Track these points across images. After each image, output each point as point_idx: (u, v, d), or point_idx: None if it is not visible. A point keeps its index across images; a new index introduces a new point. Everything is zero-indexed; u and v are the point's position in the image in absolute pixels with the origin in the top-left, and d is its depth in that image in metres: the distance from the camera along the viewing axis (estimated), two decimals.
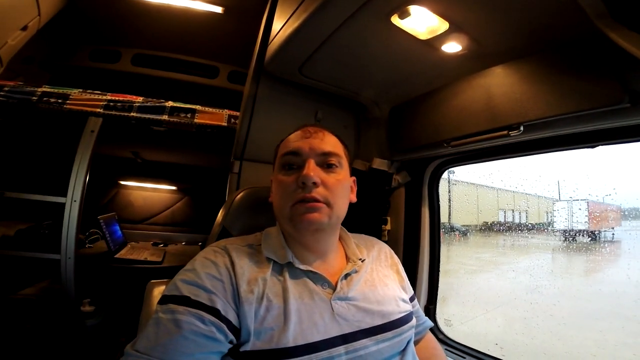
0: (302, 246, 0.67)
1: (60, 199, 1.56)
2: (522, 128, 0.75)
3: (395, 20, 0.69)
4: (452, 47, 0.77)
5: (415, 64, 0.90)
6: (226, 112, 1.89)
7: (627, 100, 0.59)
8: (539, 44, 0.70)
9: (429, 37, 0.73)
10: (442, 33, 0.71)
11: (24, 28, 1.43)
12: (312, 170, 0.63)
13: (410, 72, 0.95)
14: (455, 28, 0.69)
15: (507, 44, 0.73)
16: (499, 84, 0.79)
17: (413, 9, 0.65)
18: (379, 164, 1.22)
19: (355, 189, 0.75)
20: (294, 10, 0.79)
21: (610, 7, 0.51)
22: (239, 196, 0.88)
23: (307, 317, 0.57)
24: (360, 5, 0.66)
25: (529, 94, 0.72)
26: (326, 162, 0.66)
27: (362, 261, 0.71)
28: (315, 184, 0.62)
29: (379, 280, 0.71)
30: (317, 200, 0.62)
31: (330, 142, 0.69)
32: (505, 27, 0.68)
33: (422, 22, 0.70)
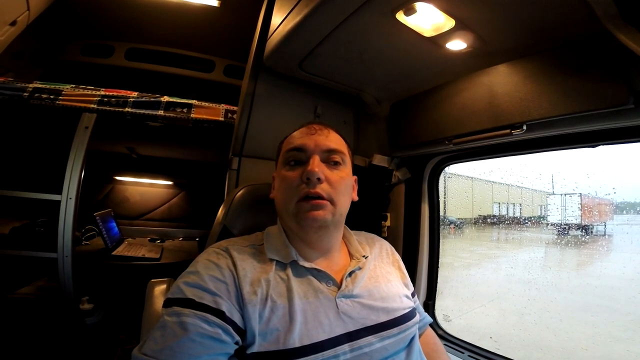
0: (306, 244, 0.67)
1: (56, 197, 1.53)
2: (524, 127, 0.75)
3: (400, 16, 0.68)
4: (456, 44, 0.76)
5: (418, 61, 0.89)
6: (223, 106, 1.86)
7: (632, 102, 0.59)
8: (545, 43, 0.70)
9: (434, 34, 0.73)
10: (447, 30, 0.70)
11: (13, 23, 1.38)
12: (317, 165, 0.63)
13: (412, 69, 0.94)
14: (461, 25, 0.68)
15: (513, 42, 0.73)
16: (503, 83, 0.78)
17: (419, 5, 0.64)
18: (379, 160, 1.22)
19: (356, 188, 0.75)
20: (295, 4, 0.78)
21: (621, 8, 0.51)
22: (239, 194, 0.87)
23: (312, 317, 0.57)
24: (365, 1, 0.64)
25: (533, 93, 0.72)
26: (330, 159, 0.67)
27: (365, 258, 0.72)
28: (319, 180, 0.62)
29: (382, 277, 0.71)
30: (321, 197, 0.62)
31: (334, 140, 0.69)
32: (512, 24, 0.68)
33: (427, 19, 0.69)
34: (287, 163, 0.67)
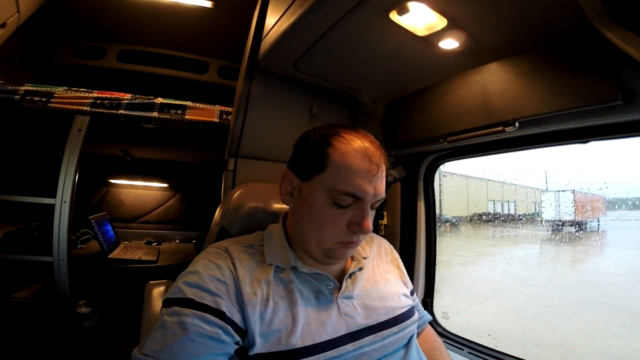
0: (313, 259, 0.65)
1: (50, 200, 1.52)
2: (517, 124, 0.76)
3: (393, 16, 0.68)
4: (449, 43, 0.77)
5: (411, 60, 0.90)
6: (217, 107, 1.86)
7: (619, 98, 0.60)
8: (536, 41, 0.71)
9: (426, 33, 0.73)
10: (440, 30, 0.71)
11: (3, 25, 1.36)
12: (370, 220, 0.59)
13: (406, 68, 0.95)
14: (453, 25, 0.69)
15: (504, 40, 0.74)
16: (495, 81, 0.79)
17: (412, 5, 0.64)
18: None
19: None
20: (289, 5, 0.78)
21: (609, 6, 0.52)
22: (236, 194, 0.87)
23: (314, 318, 0.57)
24: (358, 1, 0.65)
25: (524, 91, 0.73)
26: (375, 205, 0.63)
27: (365, 259, 0.72)
28: None
29: (380, 276, 0.72)
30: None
31: (384, 182, 0.62)
32: (503, 23, 0.69)
33: (420, 19, 0.69)
34: (334, 201, 0.58)
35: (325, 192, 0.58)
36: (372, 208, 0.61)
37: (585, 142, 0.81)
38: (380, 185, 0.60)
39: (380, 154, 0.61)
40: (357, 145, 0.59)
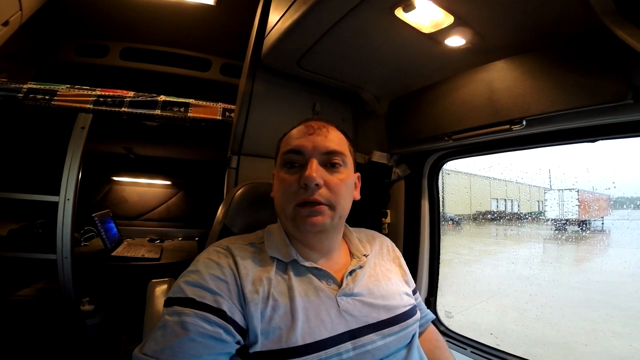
0: (305, 245, 0.66)
1: (53, 198, 1.52)
2: (524, 123, 0.75)
3: (399, 13, 0.68)
4: (455, 41, 0.76)
5: (417, 58, 0.89)
6: (220, 105, 1.85)
7: (630, 97, 0.59)
8: (543, 39, 0.70)
9: (432, 30, 0.72)
10: (446, 27, 0.70)
11: (5, 23, 1.36)
12: (315, 171, 0.61)
13: (411, 66, 0.94)
14: (459, 22, 0.68)
15: (512, 38, 0.73)
16: (502, 79, 0.78)
17: (418, 2, 0.64)
18: (379, 157, 1.22)
19: (359, 186, 0.73)
20: (292, 1, 0.77)
21: (620, 4, 0.51)
22: (238, 192, 0.87)
23: (313, 315, 0.57)
24: None
25: (531, 89, 0.72)
26: (330, 161, 0.64)
27: (365, 257, 0.71)
28: (317, 186, 0.61)
29: (382, 274, 0.71)
30: (319, 203, 0.61)
31: (334, 140, 0.66)
32: (510, 21, 0.67)
33: (426, 16, 0.68)
34: (285, 165, 0.65)
35: (279, 164, 0.68)
36: (331, 165, 0.65)
37: (593, 141, 0.79)
38: (323, 140, 0.65)
39: (323, 122, 0.69)
40: (300, 124, 0.70)
